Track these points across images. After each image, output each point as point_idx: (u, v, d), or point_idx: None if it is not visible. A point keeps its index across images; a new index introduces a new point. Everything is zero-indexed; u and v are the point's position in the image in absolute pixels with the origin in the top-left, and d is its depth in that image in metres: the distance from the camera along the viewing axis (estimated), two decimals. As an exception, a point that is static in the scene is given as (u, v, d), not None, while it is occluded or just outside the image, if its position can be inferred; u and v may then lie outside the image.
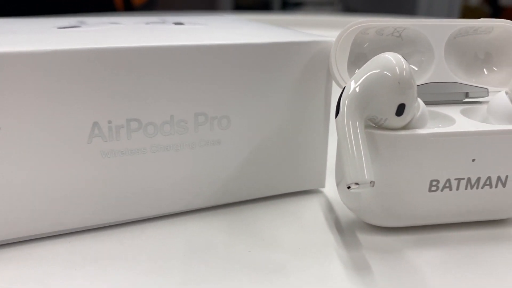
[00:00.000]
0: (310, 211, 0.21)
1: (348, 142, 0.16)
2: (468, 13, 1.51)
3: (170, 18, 0.28)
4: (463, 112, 0.19)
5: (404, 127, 0.17)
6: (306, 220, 0.20)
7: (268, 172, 0.21)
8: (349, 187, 0.16)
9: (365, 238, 0.18)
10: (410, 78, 0.16)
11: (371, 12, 0.87)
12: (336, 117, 0.16)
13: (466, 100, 0.20)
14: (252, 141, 0.20)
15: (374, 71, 0.16)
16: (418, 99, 0.17)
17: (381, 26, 0.19)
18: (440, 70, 0.20)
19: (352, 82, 0.16)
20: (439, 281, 0.16)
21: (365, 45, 0.20)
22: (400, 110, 0.16)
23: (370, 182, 0.15)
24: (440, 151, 0.17)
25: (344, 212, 0.20)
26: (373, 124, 0.17)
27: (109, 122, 0.17)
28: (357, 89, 0.16)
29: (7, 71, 0.15)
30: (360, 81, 0.16)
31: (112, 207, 0.18)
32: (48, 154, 0.17)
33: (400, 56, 0.16)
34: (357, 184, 0.15)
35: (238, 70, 0.19)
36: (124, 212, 0.19)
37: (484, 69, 0.21)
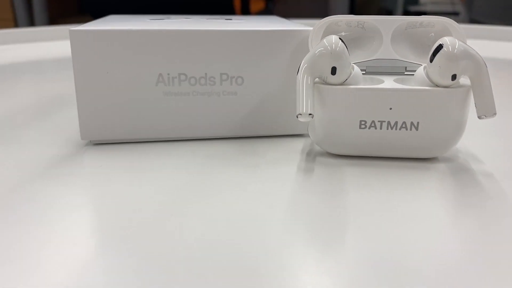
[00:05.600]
0: (296, 145, 0.30)
1: (300, 88, 0.25)
2: None
3: (229, 16, 0.39)
4: (397, 79, 0.27)
5: (342, 84, 0.26)
6: (290, 148, 0.30)
7: (270, 118, 0.31)
8: (297, 117, 0.25)
9: (320, 159, 0.28)
10: (341, 51, 0.25)
11: (495, 24, 0.88)
12: (297, 74, 0.26)
13: (406, 73, 0.28)
14: (259, 95, 0.30)
15: (319, 46, 0.26)
16: (354, 65, 0.27)
17: (347, 20, 0.29)
18: (386, 51, 0.28)
19: (309, 53, 0.26)
20: (352, 183, 0.25)
21: (339, 33, 0.29)
22: (334, 71, 0.25)
23: (309, 114, 0.25)
24: (364, 100, 0.26)
25: (318, 147, 0.30)
26: (322, 81, 0.26)
27: (168, 74, 0.29)
28: (309, 56, 0.26)
29: (115, 40, 0.28)
30: (312, 51, 0.26)
31: (167, 128, 0.30)
32: (134, 90, 0.29)
33: (338, 38, 0.25)
34: (300, 114, 0.25)
35: (250, 46, 0.29)
36: (176, 132, 0.30)
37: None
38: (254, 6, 1.63)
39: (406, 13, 2.38)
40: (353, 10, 2.29)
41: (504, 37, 0.75)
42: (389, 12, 2.38)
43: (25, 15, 1.71)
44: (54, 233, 0.20)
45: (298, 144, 0.31)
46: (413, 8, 2.49)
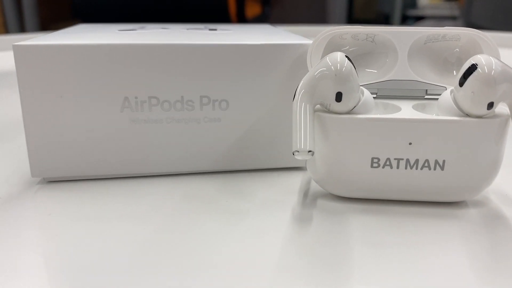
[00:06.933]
0: (292, 182, 0.25)
1: (297, 119, 0.20)
2: None
3: (213, 25, 0.34)
4: (416, 106, 0.22)
5: (349, 112, 0.21)
6: (284, 187, 0.25)
7: (259, 148, 0.26)
8: (293, 154, 0.20)
9: (321, 202, 0.23)
10: (348, 73, 0.20)
11: (495, 29, 0.83)
12: (293, 100, 0.21)
13: (427, 96, 0.23)
14: (246, 122, 0.25)
15: (321, 65, 0.20)
16: (364, 89, 0.21)
17: (354, 32, 0.24)
18: (402, 70, 0.23)
19: (308, 74, 0.21)
20: (361, 237, 0.20)
21: (344, 48, 0.24)
22: (339, 97, 0.20)
23: (309, 152, 0.20)
24: (378, 133, 0.21)
25: (318, 186, 0.25)
26: (324, 109, 0.21)
27: (136, 97, 0.24)
28: (308, 79, 0.21)
29: (70, 57, 0.23)
30: (311, 72, 0.21)
31: (136, 162, 0.25)
32: (94, 117, 0.24)
33: (343, 55, 0.20)
34: (297, 151, 0.20)
35: (236, 64, 0.24)
36: (147, 167, 0.25)
37: (454, 71, 0.24)
38: (250, 11, 1.59)
39: (405, 17, 2.34)
40: (351, 15, 2.24)
41: (505, 44, 0.71)
42: (387, 17, 2.34)
43: (15, 19, 1.66)
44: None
45: (294, 181, 0.25)
46: (411, 12, 2.45)
